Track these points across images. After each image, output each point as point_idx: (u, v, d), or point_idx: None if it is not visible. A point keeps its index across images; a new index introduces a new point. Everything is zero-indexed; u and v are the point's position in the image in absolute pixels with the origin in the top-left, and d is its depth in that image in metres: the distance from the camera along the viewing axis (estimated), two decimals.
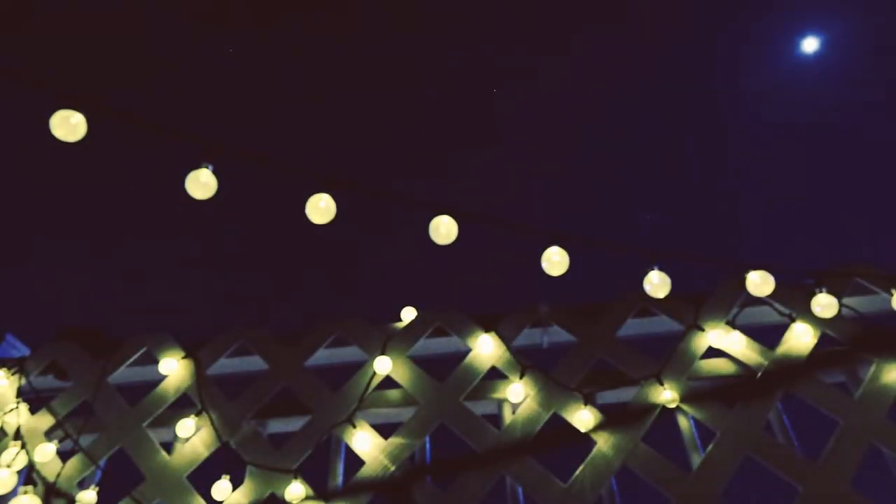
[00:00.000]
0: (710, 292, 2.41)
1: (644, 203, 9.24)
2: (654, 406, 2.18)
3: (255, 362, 2.64)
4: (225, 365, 2.64)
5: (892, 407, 2.08)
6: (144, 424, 2.41)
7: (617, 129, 9.47)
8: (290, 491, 2.15)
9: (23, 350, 2.87)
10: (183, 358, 2.53)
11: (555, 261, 1.96)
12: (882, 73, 8.54)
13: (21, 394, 2.55)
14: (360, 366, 2.43)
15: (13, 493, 2.30)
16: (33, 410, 2.51)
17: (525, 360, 2.34)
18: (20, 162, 8.04)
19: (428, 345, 2.57)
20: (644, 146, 9.33)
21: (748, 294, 2.21)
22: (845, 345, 2.26)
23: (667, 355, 2.28)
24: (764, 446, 2.06)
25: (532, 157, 9.52)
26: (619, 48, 9.35)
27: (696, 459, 2.15)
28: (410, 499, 2.12)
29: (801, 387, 2.17)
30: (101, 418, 2.45)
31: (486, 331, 2.42)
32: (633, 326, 2.51)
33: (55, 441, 2.38)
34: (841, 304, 2.22)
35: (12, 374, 2.59)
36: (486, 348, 2.37)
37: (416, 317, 2.54)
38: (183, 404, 2.47)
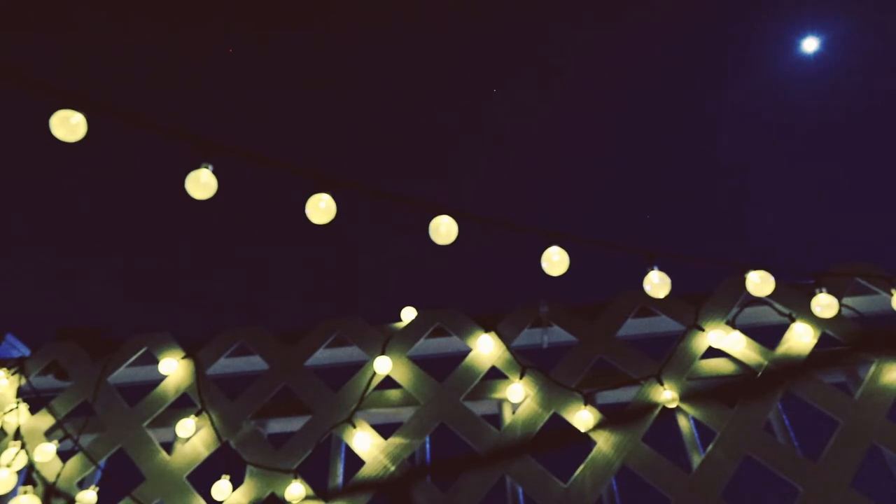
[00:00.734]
0: (710, 292, 2.40)
1: (644, 203, 9.25)
2: (654, 406, 2.18)
3: (255, 362, 2.64)
4: (225, 365, 2.64)
5: (892, 407, 2.08)
6: (144, 424, 2.41)
7: (617, 129, 9.48)
8: (290, 491, 2.15)
9: (23, 350, 2.87)
10: (183, 358, 2.53)
11: (555, 261, 1.95)
12: (882, 73, 8.53)
13: (21, 394, 2.55)
14: (360, 366, 2.43)
15: (13, 493, 2.31)
16: (33, 410, 2.51)
17: (525, 360, 2.34)
18: (20, 162, 8.04)
19: (428, 345, 2.57)
20: (644, 146, 9.34)
21: (748, 294, 2.20)
22: (845, 345, 2.25)
23: (667, 355, 2.28)
24: (764, 446, 2.06)
25: (532, 157, 9.53)
26: (619, 48, 9.36)
27: (696, 459, 2.15)
28: (410, 499, 2.12)
29: (801, 387, 2.16)
30: (101, 418, 2.45)
31: (486, 331, 2.41)
32: (633, 326, 2.51)
33: (55, 441, 2.38)
34: (841, 304, 2.22)
35: (12, 374, 2.58)
36: (486, 348, 2.37)
37: (416, 317, 2.54)
38: (183, 404, 2.47)
